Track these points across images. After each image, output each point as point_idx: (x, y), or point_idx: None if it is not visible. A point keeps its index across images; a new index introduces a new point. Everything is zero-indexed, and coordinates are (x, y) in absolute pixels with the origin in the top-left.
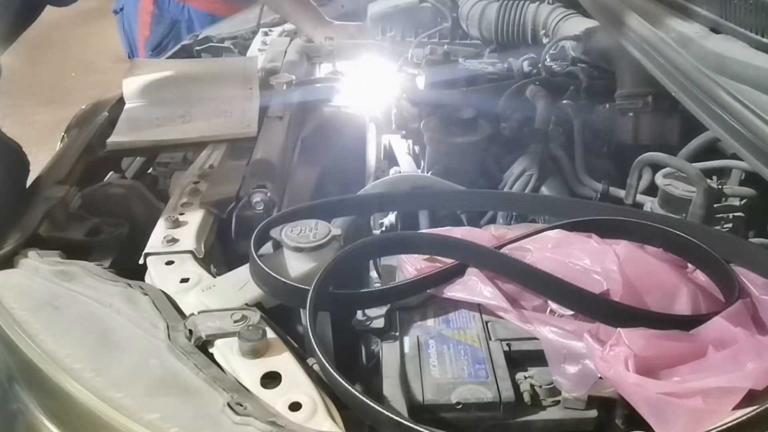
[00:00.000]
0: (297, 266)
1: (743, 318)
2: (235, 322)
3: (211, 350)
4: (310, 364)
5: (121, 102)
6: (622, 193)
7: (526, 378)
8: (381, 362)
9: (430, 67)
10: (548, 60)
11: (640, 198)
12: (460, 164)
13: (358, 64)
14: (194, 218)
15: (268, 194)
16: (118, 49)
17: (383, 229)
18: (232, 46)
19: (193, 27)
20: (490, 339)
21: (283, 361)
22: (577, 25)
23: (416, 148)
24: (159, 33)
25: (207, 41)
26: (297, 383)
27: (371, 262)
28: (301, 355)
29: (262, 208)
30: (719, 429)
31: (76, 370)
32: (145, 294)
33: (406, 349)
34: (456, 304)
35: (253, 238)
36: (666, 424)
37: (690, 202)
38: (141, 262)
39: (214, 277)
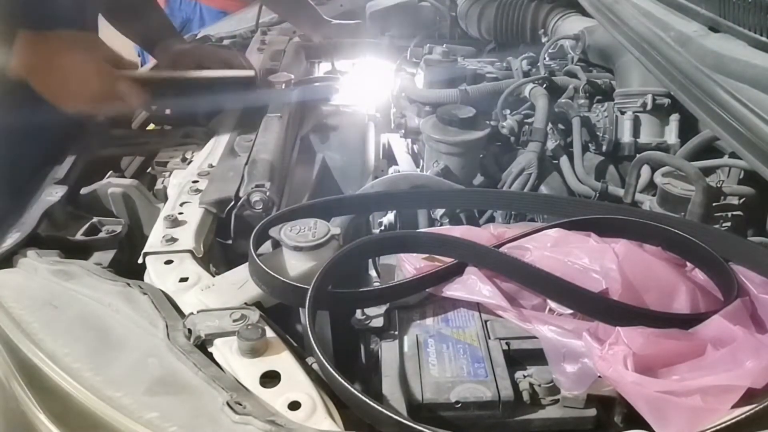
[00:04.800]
0: (296, 265)
1: (742, 316)
2: (234, 321)
3: (210, 349)
4: (310, 363)
5: None
6: (620, 191)
7: (525, 377)
8: (380, 361)
9: (429, 66)
10: (547, 59)
11: (638, 197)
12: (458, 163)
13: (357, 63)
14: (193, 217)
15: (267, 193)
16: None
17: (382, 228)
18: (231, 46)
19: (204, 25)
20: (489, 338)
21: (283, 360)
22: (576, 24)
23: (415, 147)
24: None
25: (205, 41)
26: (296, 382)
27: (370, 261)
28: (301, 354)
29: (261, 207)
30: (718, 427)
31: (75, 369)
32: (144, 293)
33: (406, 348)
34: (455, 303)
35: (252, 237)
36: (665, 422)
37: (689, 201)
38: (140, 261)
39: (213, 276)
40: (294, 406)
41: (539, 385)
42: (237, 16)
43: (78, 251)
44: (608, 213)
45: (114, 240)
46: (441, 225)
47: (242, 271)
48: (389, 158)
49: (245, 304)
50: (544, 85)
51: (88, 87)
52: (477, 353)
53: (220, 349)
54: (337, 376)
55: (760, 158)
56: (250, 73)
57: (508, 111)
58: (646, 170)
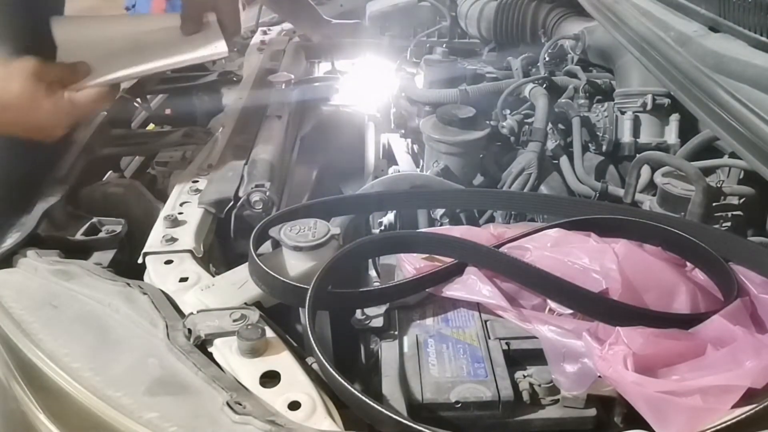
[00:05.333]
0: (296, 265)
1: (742, 316)
2: (234, 321)
3: (210, 349)
4: (309, 363)
5: (119, 100)
6: (620, 191)
7: (525, 377)
8: (380, 361)
9: (429, 65)
10: (547, 59)
11: (638, 197)
12: (458, 163)
13: (357, 63)
14: (193, 217)
15: (267, 193)
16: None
17: (382, 228)
18: None
19: None
20: (489, 338)
21: (283, 360)
22: (576, 24)
23: (415, 147)
24: None
25: None
26: (296, 382)
27: (370, 261)
28: (300, 354)
29: (260, 207)
30: (718, 427)
31: (75, 369)
32: (144, 293)
33: (405, 348)
34: (455, 303)
35: (252, 237)
36: (665, 422)
37: (689, 201)
38: (140, 261)
39: (213, 276)
40: (294, 406)
41: (539, 385)
42: None
43: (78, 251)
44: (608, 213)
45: (114, 240)
46: (441, 225)
47: (242, 271)
48: (389, 158)
49: (245, 304)
50: (544, 85)
51: (40, 117)
52: (477, 353)
53: (220, 349)
54: (337, 376)
55: (760, 158)
56: (221, 51)
57: (508, 111)
58: (646, 170)
